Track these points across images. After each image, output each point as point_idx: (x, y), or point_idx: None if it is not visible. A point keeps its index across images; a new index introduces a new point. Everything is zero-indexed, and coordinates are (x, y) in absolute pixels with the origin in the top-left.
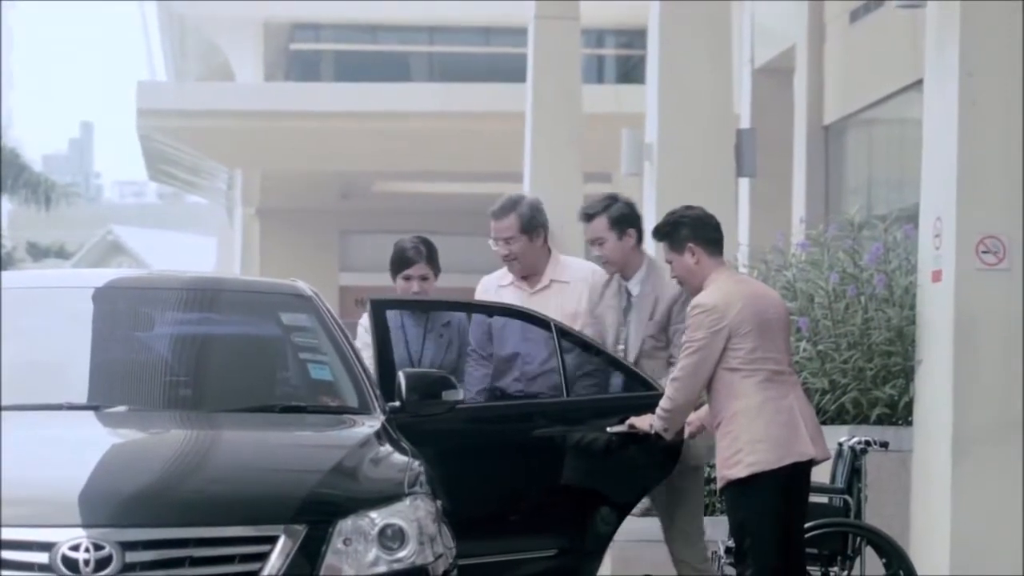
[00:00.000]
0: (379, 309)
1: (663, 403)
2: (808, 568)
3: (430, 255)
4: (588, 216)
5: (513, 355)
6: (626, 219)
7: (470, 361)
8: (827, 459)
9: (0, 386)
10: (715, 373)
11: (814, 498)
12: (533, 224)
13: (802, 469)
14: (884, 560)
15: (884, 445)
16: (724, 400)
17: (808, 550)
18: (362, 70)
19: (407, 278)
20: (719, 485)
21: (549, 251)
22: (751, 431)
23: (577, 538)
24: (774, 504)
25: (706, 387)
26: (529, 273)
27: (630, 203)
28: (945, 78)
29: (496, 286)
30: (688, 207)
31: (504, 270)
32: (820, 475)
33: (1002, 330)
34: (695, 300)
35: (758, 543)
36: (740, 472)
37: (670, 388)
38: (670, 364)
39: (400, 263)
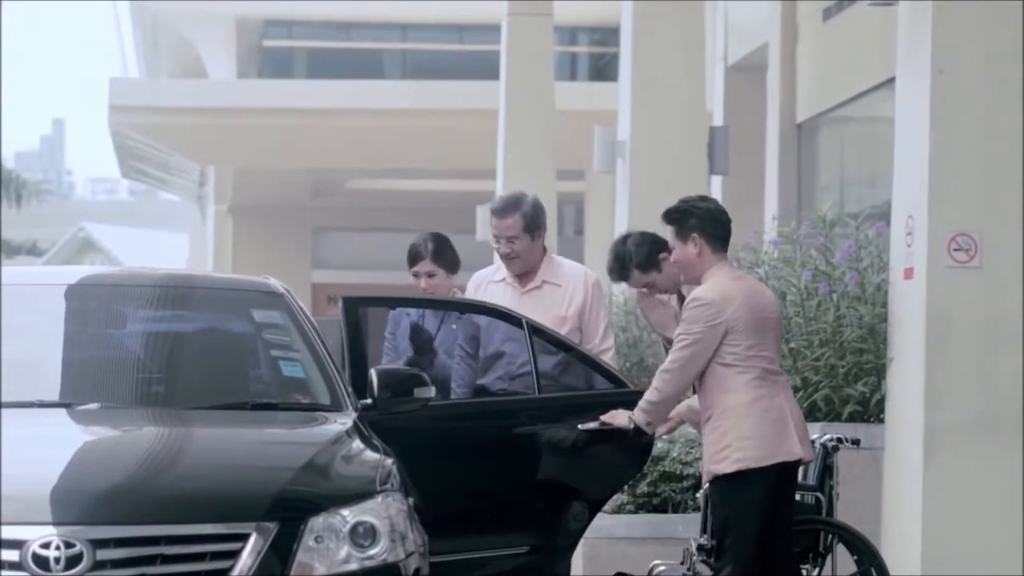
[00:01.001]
0: (351, 307)
1: (649, 395)
2: None
3: (437, 252)
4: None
5: (498, 354)
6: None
7: (457, 358)
8: (812, 460)
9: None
10: (708, 367)
11: None
12: (536, 223)
13: (790, 469)
14: (856, 557)
15: (856, 442)
16: (715, 395)
17: None
18: (335, 67)
19: (416, 275)
20: (706, 480)
21: (544, 251)
22: (741, 427)
23: (549, 535)
24: (759, 502)
25: (697, 381)
26: (526, 271)
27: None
28: (916, 76)
29: (488, 282)
30: (703, 198)
31: (497, 265)
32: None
33: (973, 327)
34: (694, 293)
35: (740, 540)
36: (727, 467)
37: (659, 380)
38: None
39: (410, 260)
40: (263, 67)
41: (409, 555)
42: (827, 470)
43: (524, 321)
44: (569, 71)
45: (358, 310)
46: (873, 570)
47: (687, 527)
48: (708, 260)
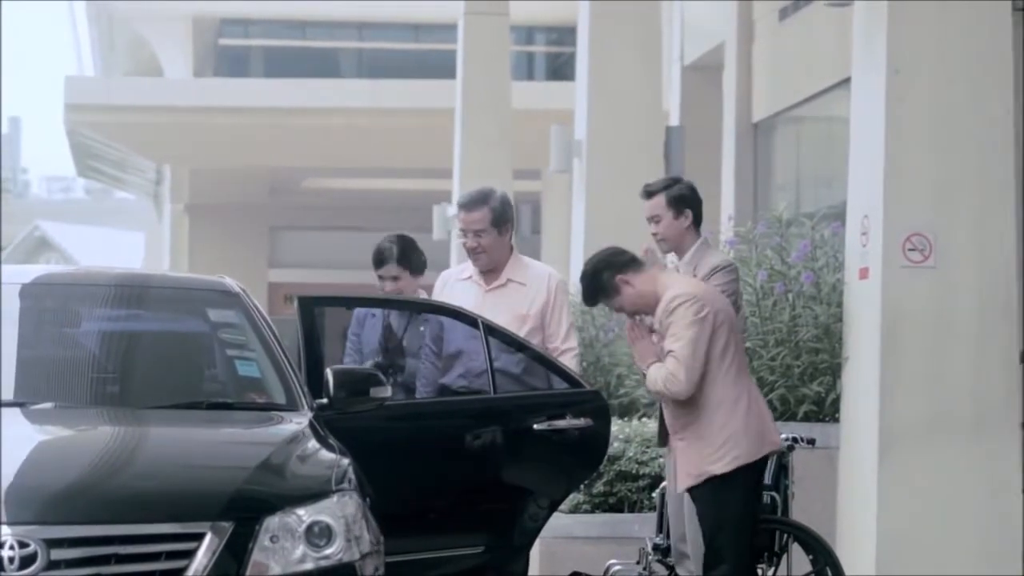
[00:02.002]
0: (307, 307)
1: (665, 384)
2: None
3: (402, 255)
4: (648, 193)
5: (458, 352)
6: (684, 200)
7: (423, 358)
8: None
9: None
10: None
11: None
12: (504, 218)
13: (766, 460)
14: (811, 557)
15: (811, 442)
16: (697, 395)
17: None
18: (291, 66)
19: (380, 278)
20: (695, 481)
21: (511, 249)
22: (732, 424)
23: (505, 534)
24: (751, 498)
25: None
26: (492, 268)
27: (691, 185)
28: (872, 75)
29: (455, 279)
30: (587, 262)
31: (465, 264)
32: None
33: (928, 327)
34: (671, 293)
35: (739, 538)
36: (724, 467)
37: (672, 383)
38: None
39: (376, 262)
40: (219, 66)
41: (365, 555)
42: (782, 469)
43: (479, 321)
44: (526, 71)
45: (314, 310)
46: (828, 569)
47: (643, 526)
48: (649, 278)
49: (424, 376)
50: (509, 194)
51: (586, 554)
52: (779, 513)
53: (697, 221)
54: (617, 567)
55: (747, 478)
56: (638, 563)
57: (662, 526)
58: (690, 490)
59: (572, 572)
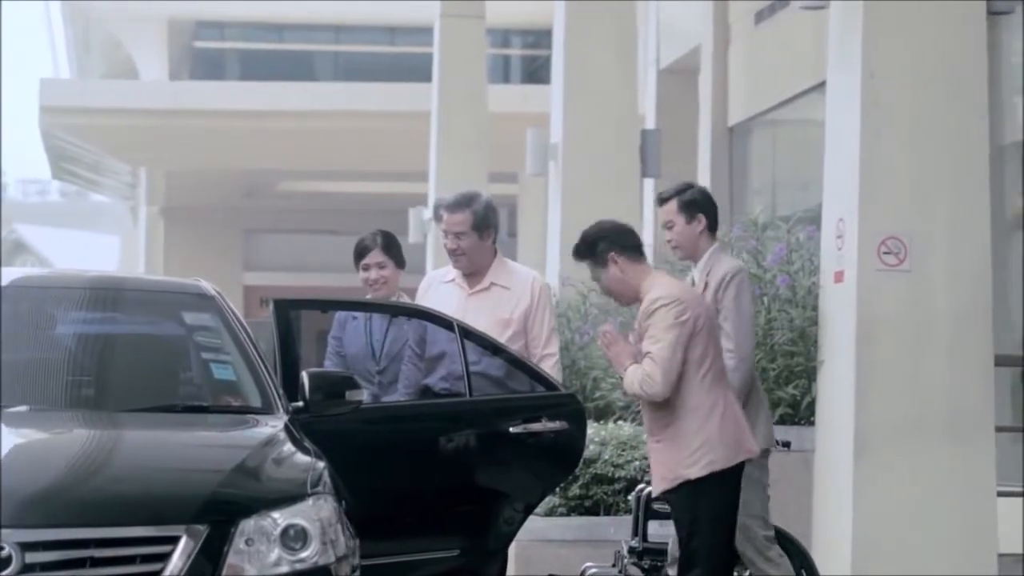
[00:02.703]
0: (282, 309)
1: (641, 386)
2: None
3: (387, 245)
4: (661, 200)
5: (441, 354)
6: (697, 204)
7: (406, 359)
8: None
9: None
10: None
11: None
12: (486, 223)
13: (743, 467)
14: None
15: (786, 445)
16: (673, 399)
17: None
18: (267, 69)
19: (365, 267)
20: (669, 485)
21: (495, 253)
22: (707, 429)
23: (480, 538)
24: (729, 502)
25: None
26: (473, 271)
27: (704, 190)
28: (847, 79)
29: (439, 282)
30: (600, 222)
31: (449, 267)
32: None
33: (903, 331)
34: (653, 295)
35: (714, 543)
36: (698, 471)
37: (648, 384)
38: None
39: (358, 253)
40: (195, 68)
41: (340, 558)
42: None
43: (455, 324)
44: (502, 74)
45: (289, 313)
46: (803, 571)
47: (619, 529)
48: (634, 273)
49: (406, 378)
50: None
51: (561, 557)
52: None
53: (712, 226)
54: (593, 570)
55: (722, 483)
56: (614, 566)
57: (637, 529)
58: (664, 494)
59: (548, 575)
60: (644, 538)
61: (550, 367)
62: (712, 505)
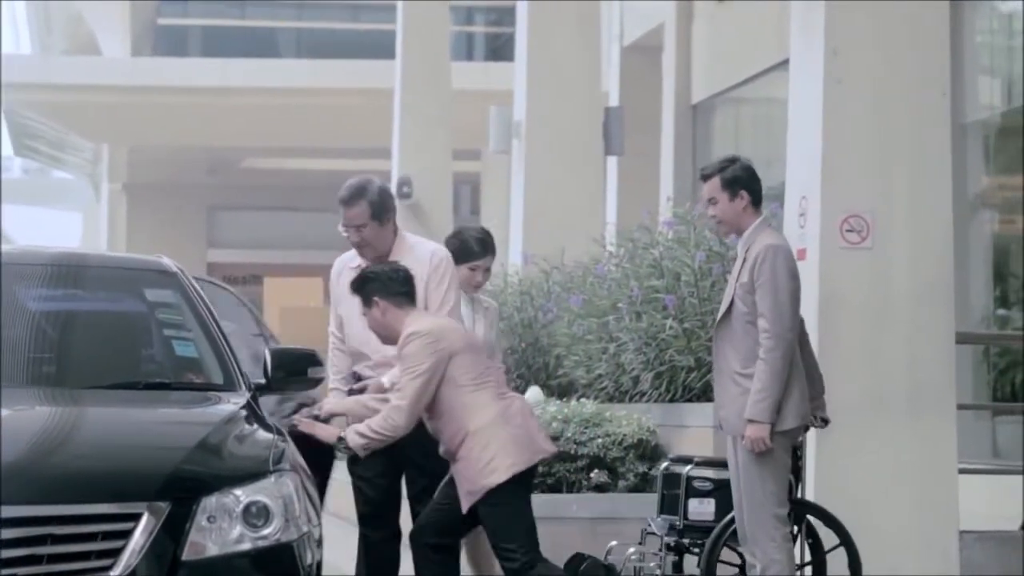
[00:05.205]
0: None
1: (380, 425)
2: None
3: (493, 248)
4: (704, 176)
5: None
6: (739, 180)
7: (331, 345)
8: (556, 453)
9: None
10: (443, 394)
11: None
12: (384, 208)
13: (536, 467)
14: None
15: (825, 421)
16: (461, 417)
17: None
18: (230, 45)
19: (473, 268)
20: (475, 499)
21: (395, 233)
22: (500, 438)
23: None
24: (528, 500)
25: (429, 411)
26: (377, 256)
27: (747, 165)
28: (810, 57)
29: (347, 268)
30: (371, 268)
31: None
32: (706, 450)
33: (865, 308)
34: (407, 330)
35: (528, 539)
36: (502, 476)
37: (393, 413)
38: (747, 323)
39: (466, 255)
40: (157, 45)
41: (303, 535)
42: (794, 452)
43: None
44: (465, 51)
45: None
46: (810, 541)
47: (582, 506)
48: (396, 316)
49: (334, 364)
50: (446, 175)
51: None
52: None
53: (756, 201)
54: (631, 549)
55: (524, 484)
56: (640, 543)
57: (664, 506)
58: (475, 506)
59: (574, 553)
60: (685, 516)
61: None
62: (519, 506)
